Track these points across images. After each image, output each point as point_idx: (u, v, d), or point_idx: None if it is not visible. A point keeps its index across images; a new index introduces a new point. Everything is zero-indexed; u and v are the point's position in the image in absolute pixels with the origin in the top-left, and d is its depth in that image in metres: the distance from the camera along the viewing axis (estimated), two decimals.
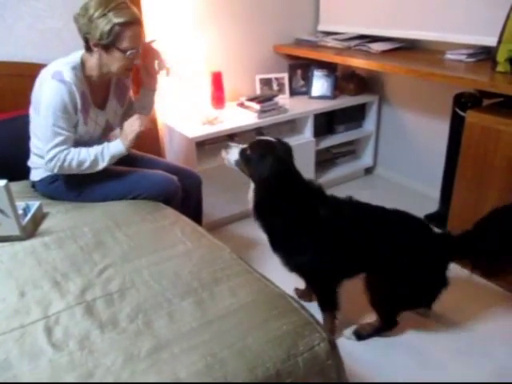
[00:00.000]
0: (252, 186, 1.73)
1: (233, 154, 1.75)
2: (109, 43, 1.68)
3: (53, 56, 2.31)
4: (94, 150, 1.79)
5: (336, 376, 1.20)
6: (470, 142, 2.05)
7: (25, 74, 2.23)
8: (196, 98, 2.80)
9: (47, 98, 1.70)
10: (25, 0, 2.21)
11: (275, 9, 3.02)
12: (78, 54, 1.81)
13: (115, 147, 1.81)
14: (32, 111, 1.86)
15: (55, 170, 1.78)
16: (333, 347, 1.19)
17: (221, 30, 2.85)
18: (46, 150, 1.74)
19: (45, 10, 2.27)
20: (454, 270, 2.10)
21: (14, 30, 2.22)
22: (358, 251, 1.69)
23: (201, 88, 2.81)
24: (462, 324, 1.95)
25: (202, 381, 1.05)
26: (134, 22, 1.69)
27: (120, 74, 1.86)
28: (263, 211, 1.71)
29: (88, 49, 1.76)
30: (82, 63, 1.80)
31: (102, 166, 1.81)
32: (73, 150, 1.77)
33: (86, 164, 1.78)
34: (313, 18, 3.20)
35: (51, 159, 1.74)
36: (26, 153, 1.97)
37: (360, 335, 1.87)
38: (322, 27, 3.19)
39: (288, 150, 1.75)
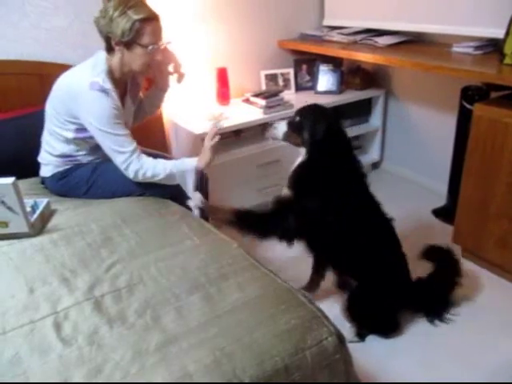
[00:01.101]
0: (301, 155, 1.75)
1: (280, 128, 1.78)
2: (130, 40, 1.71)
3: (58, 54, 2.33)
4: (169, 165, 1.83)
5: (344, 370, 1.20)
6: (478, 135, 2.03)
7: (31, 73, 2.26)
8: (201, 94, 2.80)
9: (93, 108, 1.73)
10: None
11: (280, 4, 3.00)
12: (101, 57, 1.80)
13: (190, 163, 1.85)
14: (52, 109, 1.86)
15: (131, 175, 1.81)
16: (341, 341, 1.19)
17: (225, 26, 2.85)
18: (120, 162, 1.79)
19: (50, 9, 2.28)
20: (465, 266, 2.09)
21: (19, 28, 2.23)
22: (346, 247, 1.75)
23: (206, 84, 2.81)
24: (466, 318, 1.93)
25: (210, 375, 1.05)
26: (153, 18, 1.73)
27: (141, 72, 1.86)
28: (308, 172, 1.71)
29: (110, 49, 1.77)
30: (109, 66, 1.81)
31: (174, 181, 1.86)
32: (147, 160, 1.81)
33: (161, 176, 1.82)
34: (318, 12, 3.18)
35: (126, 168, 1.79)
36: (33, 150, 1.98)
37: (362, 334, 1.86)
38: (327, 22, 3.17)
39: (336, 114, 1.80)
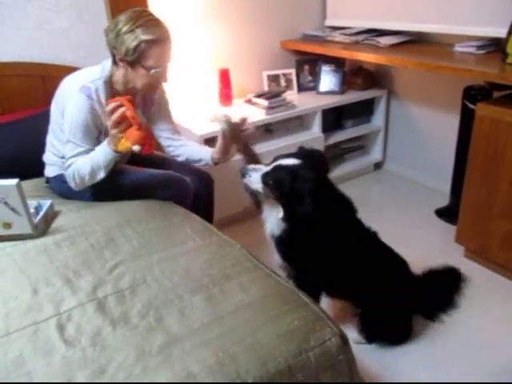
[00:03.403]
0: (280, 213, 1.58)
1: (254, 180, 1.59)
2: (134, 60, 1.65)
3: (60, 56, 2.34)
4: (88, 162, 1.72)
5: (348, 371, 1.19)
6: (480, 134, 2.03)
7: (33, 74, 2.27)
8: (204, 95, 2.81)
9: (72, 111, 1.71)
10: (32, 1, 2.22)
11: (282, 4, 3.01)
12: (107, 66, 1.77)
13: (104, 150, 1.71)
14: (54, 109, 1.85)
15: (72, 184, 1.78)
16: (344, 342, 1.19)
17: (227, 27, 2.85)
18: (66, 158, 1.77)
19: (52, 11, 2.28)
20: (465, 266, 2.09)
21: (21, 30, 2.24)
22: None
23: (208, 85, 2.81)
24: (470, 318, 1.93)
25: (213, 376, 1.05)
26: (162, 40, 1.65)
27: (144, 91, 1.83)
28: (294, 238, 1.61)
29: (115, 62, 1.74)
30: (111, 77, 1.78)
31: (104, 173, 1.76)
32: (72, 165, 1.74)
33: (87, 178, 1.75)
34: (320, 12, 3.18)
35: (68, 167, 1.76)
36: (37, 151, 1.99)
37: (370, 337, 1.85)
38: (329, 22, 3.17)
39: (314, 166, 1.56)
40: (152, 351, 1.12)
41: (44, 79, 2.27)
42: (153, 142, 1.68)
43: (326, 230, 1.58)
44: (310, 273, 1.68)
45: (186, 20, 2.66)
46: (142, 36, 1.60)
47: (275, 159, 1.60)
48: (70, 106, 1.72)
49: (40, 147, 1.98)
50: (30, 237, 1.63)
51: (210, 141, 2.62)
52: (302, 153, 1.64)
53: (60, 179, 1.93)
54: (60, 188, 1.95)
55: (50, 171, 1.97)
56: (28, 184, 1.95)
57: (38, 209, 1.72)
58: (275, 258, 1.71)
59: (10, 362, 1.11)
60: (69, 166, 1.76)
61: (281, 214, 1.58)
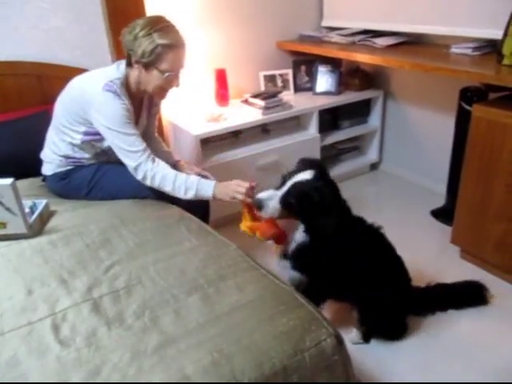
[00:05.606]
0: (300, 228, 1.61)
1: (272, 205, 1.55)
2: (149, 62, 1.71)
3: (56, 55, 2.33)
4: (181, 180, 1.75)
5: (343, 371, 1.19)
6: (476, 136, 2.04)
7: (29, 74, 2.26)
8: (200, 96, 2.81)
9: (105, 107, 1.71)
10: (29, 0, 2.21)
11: (278, 5, 3.01)
12: (121, 68, 1.80)
13: (205, 190, 1.76)
14: (61, 108, 1.85)
15: (140, 176, 1.76)
16: (340, 343, 1.19)
17: (224, 27, 2.85)
18: (131, 163, 1.75)
19: (48, 10, 2.28)
20: (460, 266, 2.10)
21: (18, 29, 2.23)
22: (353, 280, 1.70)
23: (205, 85, 2.81)
24: (466, 319, 1.93)
25: (208, 376, 1.05)
26: (177, 46, 1.72)
27: (155, 94, 1.87)
28: (310, 252, 1.62)
29: (129, 64, 1.77)
30: (126, 78, 1.81)
31: (183, 197, 1.78)
32: (160, 165, 1.76)
33: (167, 189, 1.76)
34: (316, 13, 3.19)
35: (136, 168, 1.75)
36: (33, 151, 1.99)
37: (367, 337, 1.85)
38: (325, 22, 3.18)
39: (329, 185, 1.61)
40: (147, 352, 1.12)
41: (40, 78, 2.27)
42: (285, 237, 1.65)
43: (341, 238, 1.60)
44: (321, 280, 1.69)
45: (182, 20, 2.65)
46: (159, 40, 1.67)
47: (284, 179, 1.59)
48: (99, 104, 1.72)
49: (36, 147, 1.98)
50: (24, 237, 1.62)
51: (205, 141, 2.62)
52: (305, 164, 1.63)
53: (57, 177, 1.93)
54: (56, 186, 1.95)
55: (47, 169, 1.96)
56: (23, 183, 1.95)
57: (33, 208, 1.71)
58: (286, 274, 1.71)
59: (4, 362, 1.10)
60: (138, 166, 1.74)
61: (301, 228, 1.60)
